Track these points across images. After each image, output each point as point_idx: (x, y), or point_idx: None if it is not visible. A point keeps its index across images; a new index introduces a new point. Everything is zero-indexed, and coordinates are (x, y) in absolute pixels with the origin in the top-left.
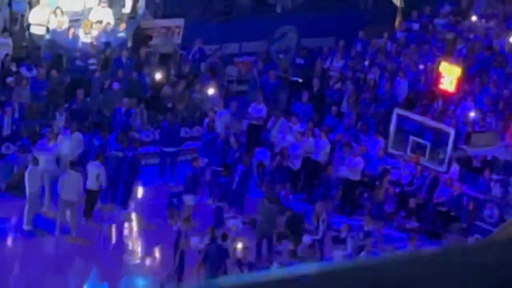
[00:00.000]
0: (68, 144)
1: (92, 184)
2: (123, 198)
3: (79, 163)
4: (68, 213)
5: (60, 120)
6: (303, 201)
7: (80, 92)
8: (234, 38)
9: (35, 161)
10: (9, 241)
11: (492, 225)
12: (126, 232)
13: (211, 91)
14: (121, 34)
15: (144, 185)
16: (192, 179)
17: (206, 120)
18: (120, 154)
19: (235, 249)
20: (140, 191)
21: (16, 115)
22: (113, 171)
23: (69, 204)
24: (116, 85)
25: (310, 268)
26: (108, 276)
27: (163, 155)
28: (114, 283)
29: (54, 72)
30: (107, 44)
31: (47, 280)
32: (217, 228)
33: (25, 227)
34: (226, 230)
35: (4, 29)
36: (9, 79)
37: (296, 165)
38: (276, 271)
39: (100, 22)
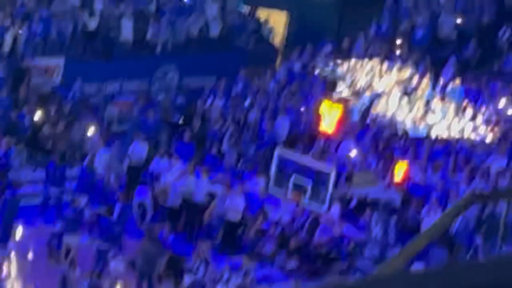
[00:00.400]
0: None
1: None
2: (1, 239)
3: None
4: None
5: None
6: (183, 241)
7: None
8: (115, 77)
9: None
10: None
11: (372, 264)
12: (4, 273)
13: (91, 130)
14: None
15: (24, 225)
16: (73, 219)
17: (86, 159)
18: None
19: None
20: (19, 232)
21: None
22: None
23: None
24: None
25: None
26: None
27: (46, 195)
28: None
29: None
30: None
31: None
32: (100, 269)
33: None
34: (108, 271)
35: None
36: None
37: (176, 204)
38: None
39: None
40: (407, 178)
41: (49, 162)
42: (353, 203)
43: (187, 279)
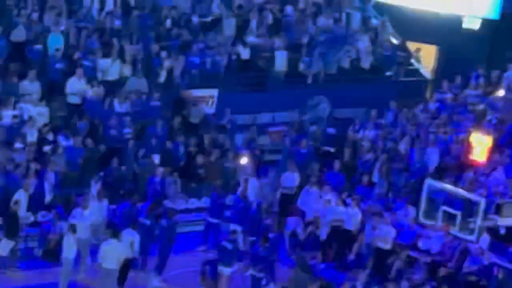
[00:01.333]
0: (96, 212)
1: (126, 252)
2: (158, 266)
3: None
4: (109, 281)
5: (94, 188)
6: (334, 269)
7: (114, 161)
8: (267, 108)
9: (73, 229)
10: None
11: None
12: None
13: (244, 160)
14: (156, 103)
15: (179, 252)
16: (229, 249)
17: (239, 188)
18: (148, 222)
19: None
20: (175, 259)
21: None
22: (143, 239)
23: (110, 273)
24: (156, 157)
25: None
26: None
27: (208, 224)
28: None
29: (89, 141)
30: (142, 113)
31: None
32: None
33: None
34: None
35: (42, 98)
36: (46, 148)
37: (327, 232)
38: None
39: (135, 91)
40: None
41: (212, 192)
42: (502, 233)
43: None
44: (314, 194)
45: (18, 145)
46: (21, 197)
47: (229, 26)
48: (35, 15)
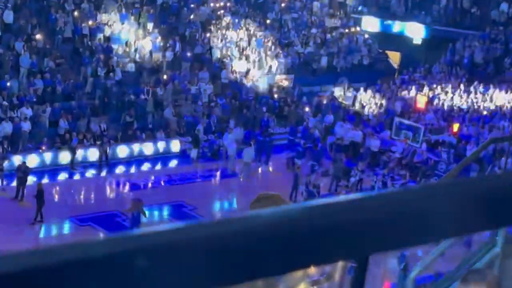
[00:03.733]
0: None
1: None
2: (266, 160)
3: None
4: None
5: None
6: (349, 162)
7: None
8: None
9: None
10: None
11: None
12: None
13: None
14: None
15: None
16: (300, 150)
17: (304, 123)
18: (261, 138)
19: None
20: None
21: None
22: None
23: (248, 164)
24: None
25: None
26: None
27: (290, 140)
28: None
29: None
30: None
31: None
32: None
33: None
34: None
35: None
36: None
37: (347, 144)
38: None
39: None
40: None
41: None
42: (432, 142)
43: None
44: (339, 125)
45: None
46: None
47: None
48: None
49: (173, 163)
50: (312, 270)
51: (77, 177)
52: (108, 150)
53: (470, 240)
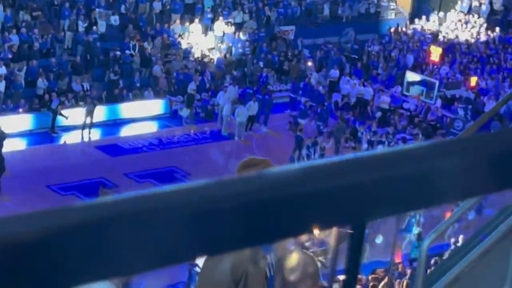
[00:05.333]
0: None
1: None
2: (264, 120)
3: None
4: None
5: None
6: (357, 121)
7: None
8: None
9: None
10: None
11: None
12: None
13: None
14: None
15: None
16: (303, 109)
17: (307, 79)
18: (260, 97)
19: None
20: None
21: None
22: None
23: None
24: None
25: None
26: None
27: (291, 98)
28: None
29: None
30: None
31: None
32: None
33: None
34: None
35: None
36: None
37: (353, 101)
38: None
39: None
40: None
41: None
42: (448, 97)
43: None
44: (346, 80)
45: None
46: None
47: None
48: None
49: (163, 125)
50: (305, 237)
51: (58, 141)
52: (92, 112)
53: (480, 206)
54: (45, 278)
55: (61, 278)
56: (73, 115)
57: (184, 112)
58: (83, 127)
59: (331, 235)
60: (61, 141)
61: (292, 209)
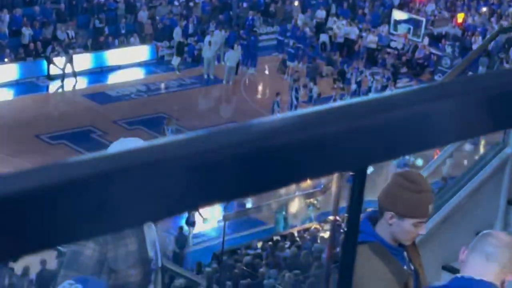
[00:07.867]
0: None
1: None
2: (252, 61)
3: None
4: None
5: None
6: (345, 62)
7: None
8: None
9: None
10: None
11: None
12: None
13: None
14: None
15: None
16: (291, 52)
17: (293, 21)
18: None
19: None
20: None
21: None
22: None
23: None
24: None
25: None
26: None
27: (279, 41)
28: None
29: None
30: None
31: None
32: None
33: None
34: None
35: None
36: None
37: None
38: None
39: None
40: None
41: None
42: (434, 34)
43: None
44: (332, 20)
45: None
46: None
47: None
48: None
49: (150, 70)
50: (307, 183)
51: (46, 91)
52: (71, 59)
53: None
54: (51, 231)
55: (67, 232)
56: (60, 63)
57: (175, 60)
58: (63, 76)
59: (332, 180)
60: (49, 90)
61: (293, 156)
